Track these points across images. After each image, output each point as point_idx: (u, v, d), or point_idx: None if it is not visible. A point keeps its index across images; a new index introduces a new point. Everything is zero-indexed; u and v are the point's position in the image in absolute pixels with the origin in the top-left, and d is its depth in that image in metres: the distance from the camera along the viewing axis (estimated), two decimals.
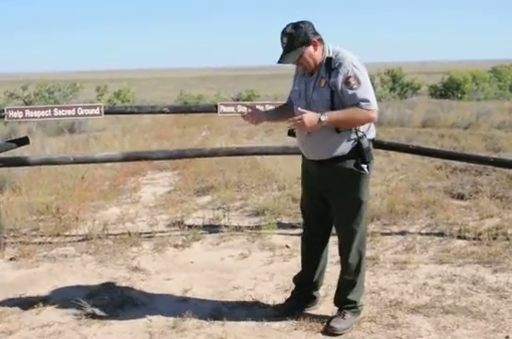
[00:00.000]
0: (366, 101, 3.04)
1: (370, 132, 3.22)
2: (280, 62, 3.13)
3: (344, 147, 3.15)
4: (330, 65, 3.10)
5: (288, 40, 3.08)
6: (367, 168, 3.18)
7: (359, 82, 3.04)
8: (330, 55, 3.13)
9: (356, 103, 3.04)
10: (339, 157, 3.16)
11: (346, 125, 3.11)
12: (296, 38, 3.07)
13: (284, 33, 3.10)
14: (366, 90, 3.07)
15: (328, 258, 3.61)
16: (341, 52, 3.13)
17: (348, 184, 3.20)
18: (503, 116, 13.97)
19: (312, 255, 3.55)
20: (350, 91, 3.04)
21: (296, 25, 3.09)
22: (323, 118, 3.01)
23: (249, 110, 3.38)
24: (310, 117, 3.01)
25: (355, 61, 3.09)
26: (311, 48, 3.10)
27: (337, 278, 3.49)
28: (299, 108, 3.11)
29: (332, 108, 3.08)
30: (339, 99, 3.08)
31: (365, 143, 3.15)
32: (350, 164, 3.16)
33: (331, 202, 3.30)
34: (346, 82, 3.04)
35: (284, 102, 3.63)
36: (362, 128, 3.17)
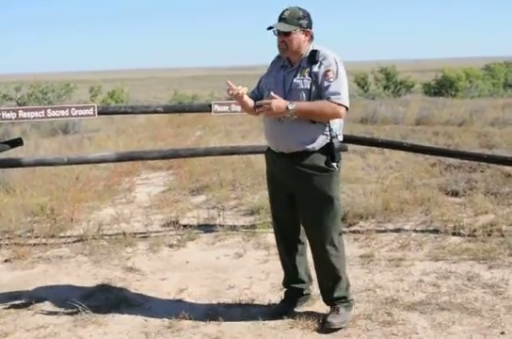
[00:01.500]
0: (337, 94, 3.10)
1: (340, 135, 3.28)
2: (270, 28, 3.17)
3: (317, 141, 3.17)
4: (315, 57, 3.16)
5: (289, 14, 3.16)
6: (337, 166, 3.21)
7: (336, 76, 3.12)
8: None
9: (327, 95, 3.10)
10: (309, 152, 3.18)
11: (313, 117, 3.13)
12: (298, 17, 3.16)
13: (289, 9, 3.18)
14: (340, 85, 3.13)
15: None
16: (324, 50, 3.21)
17: (318, 180, 3.20)
18: (496, 113, 14.00)
19: (291, 255, 3.55)
20: (326, 83, 3.11)
21: (304, 10, 3.19)
22: (290, 106, 3.05)
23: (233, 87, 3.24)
24: (278, 103, 3.06)
25: (338, 59, 3.19)
26: (302, 35, 3.18)
27: None
28: (272, 93, 3.12)
29: (309, 98, 3.12)
30: (317, 90, 3.13)
31: (337, 143, 3.20)
32: (321, 161, 3.19)
33: (302, 200, 3.29)
34: (325, 74, 3.11)
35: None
36: (335, 128, 3.20)
